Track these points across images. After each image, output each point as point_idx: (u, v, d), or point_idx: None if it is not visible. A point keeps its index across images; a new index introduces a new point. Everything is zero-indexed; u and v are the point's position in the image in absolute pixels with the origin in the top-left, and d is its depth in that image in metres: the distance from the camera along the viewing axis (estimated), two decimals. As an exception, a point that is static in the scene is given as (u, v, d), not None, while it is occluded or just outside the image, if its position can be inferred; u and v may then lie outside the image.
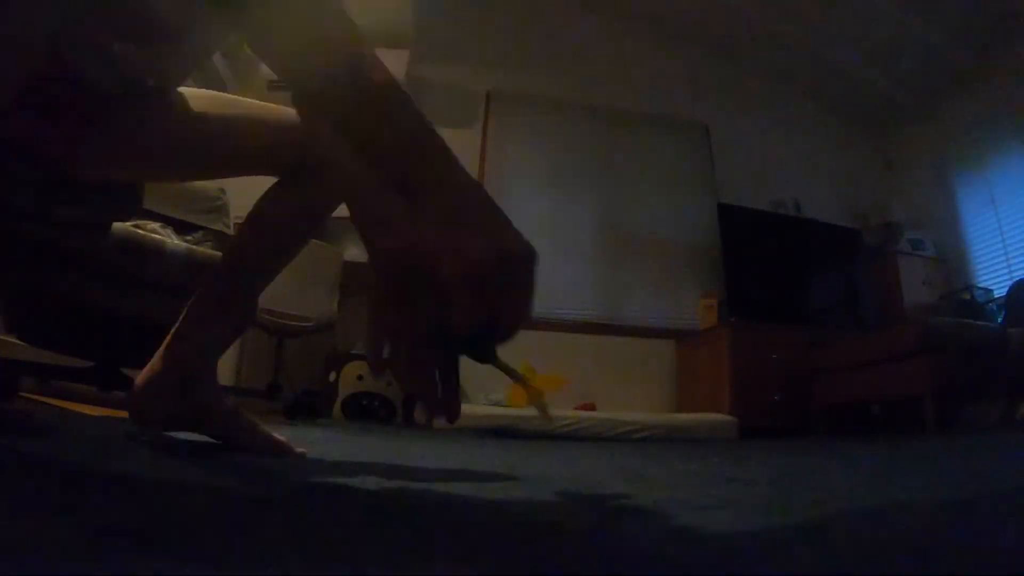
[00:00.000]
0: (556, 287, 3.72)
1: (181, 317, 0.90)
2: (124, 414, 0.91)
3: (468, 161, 3.93)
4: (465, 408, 2.82)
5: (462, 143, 3.96)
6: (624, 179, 4.11)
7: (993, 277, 3.76)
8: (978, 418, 2.69)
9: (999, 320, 3.28)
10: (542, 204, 3.90)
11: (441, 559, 0.37)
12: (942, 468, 1.21)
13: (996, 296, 3.61)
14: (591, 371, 3.60)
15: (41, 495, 0.47)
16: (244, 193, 3.54)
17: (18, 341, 1.76)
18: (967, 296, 3.66)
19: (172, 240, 1.92)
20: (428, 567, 0.35)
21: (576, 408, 3.21)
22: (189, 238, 2.28)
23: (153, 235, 1.78)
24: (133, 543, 0.34)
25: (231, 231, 2.47)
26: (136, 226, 1.93)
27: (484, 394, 3.36)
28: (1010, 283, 3.32)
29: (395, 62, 3.87)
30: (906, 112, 4.42)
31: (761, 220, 3.90)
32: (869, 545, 0.44)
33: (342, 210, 3.18)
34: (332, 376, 2.54)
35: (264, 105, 0.90)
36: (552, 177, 4.03)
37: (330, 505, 0.57)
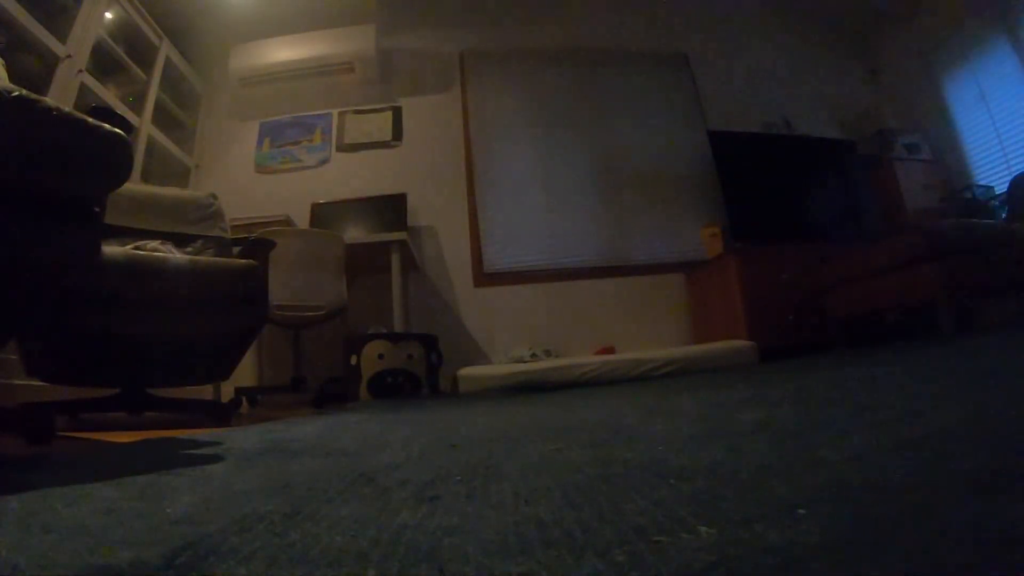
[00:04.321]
0: (558, 235, 3.73)
1: None
2: (156, 433, 0.90)
3: (452, 123, 3.89)
4: (488, 369, 2.85)
5: (443, 107, 3.91)
6: (611, 119, 4.07)
7: (992, 173, 3.73)
8: (993, 316, 2.69)
9: (1003, 216, 3.27)
10: (532, 155, 3.87)
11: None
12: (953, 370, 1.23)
13: (997, 192, 3.59)
14: (605, 315, 3.63)
15: None
16: (236, 192, 3.54)
17: (41, 383, 1.78)
18: (968, 196, 3.64)
19: (174, 255, 1.93)
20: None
21: (596, 353, 3.24)
22: (190, 249, 2.29)
23: (155, 253, 1.79)
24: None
25: (228, 234, 2.48)
26: (136, 247, 1.94)
27: (504, 351, 3.39)
28: (1010, 178, 3.29)
29: (362, 38, 3.80)
30: (887, 15, 4.32)
31: (753, 142, 3.87)
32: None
33: (337, 194, 3.18)
34: (353, 359, 2.57)
35: None
36: (538, 127, 3.98)
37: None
